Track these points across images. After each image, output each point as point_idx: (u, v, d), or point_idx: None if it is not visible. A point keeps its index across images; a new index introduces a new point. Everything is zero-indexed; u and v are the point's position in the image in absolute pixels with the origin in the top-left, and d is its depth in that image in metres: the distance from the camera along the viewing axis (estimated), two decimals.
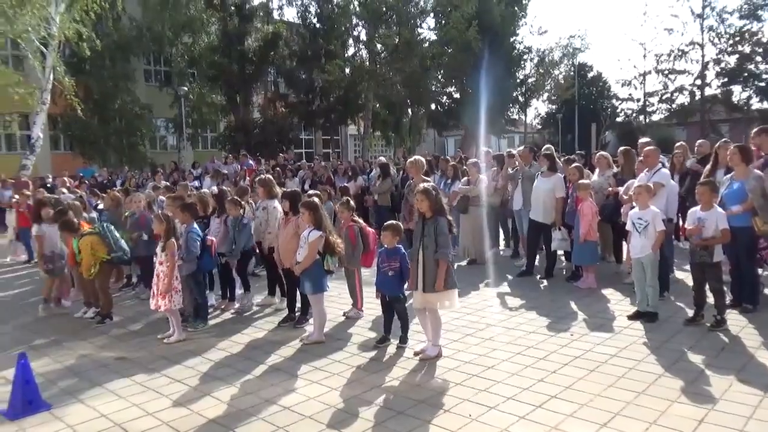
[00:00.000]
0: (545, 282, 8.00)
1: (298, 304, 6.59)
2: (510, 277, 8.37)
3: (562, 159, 9.43)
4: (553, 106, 46.35)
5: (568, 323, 6.08)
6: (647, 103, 42.77)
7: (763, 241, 6.39)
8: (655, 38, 60.59)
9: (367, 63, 29.36)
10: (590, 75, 48.01)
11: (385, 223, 5.72)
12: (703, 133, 32.67)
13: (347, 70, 29.58)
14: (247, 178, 13.61)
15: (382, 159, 14.17)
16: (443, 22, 29.80)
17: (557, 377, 4.65)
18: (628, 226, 6.19)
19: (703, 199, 5.74)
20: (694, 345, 5.22)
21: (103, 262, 6.97)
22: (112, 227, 7.39)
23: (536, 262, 8.62)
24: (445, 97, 37.06)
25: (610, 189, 7.94)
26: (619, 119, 46.42)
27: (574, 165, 8.21)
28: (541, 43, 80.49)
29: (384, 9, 27.77)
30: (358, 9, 28.20)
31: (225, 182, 12.48)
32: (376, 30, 28.46)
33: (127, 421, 4.20)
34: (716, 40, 37.48)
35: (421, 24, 30.51)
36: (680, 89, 40.22)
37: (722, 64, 37.84)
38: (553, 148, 9.44)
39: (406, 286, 5.44)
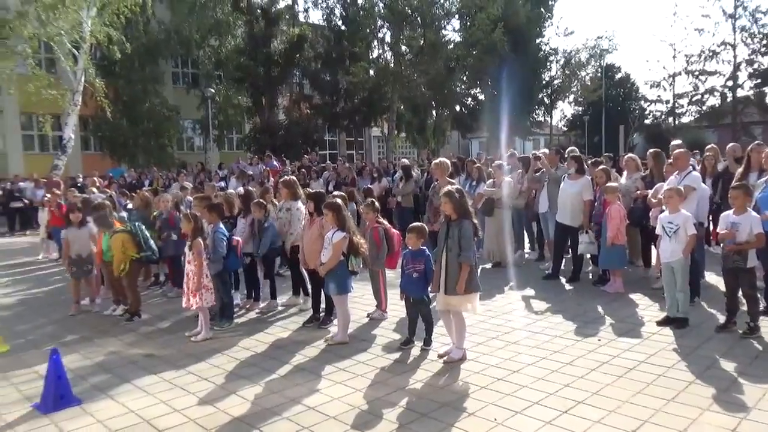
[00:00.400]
0: (571, 286, 7.90)
1: (323, 305, 6.62)
2: (535, 280, 8.29)
3: (588, 161, 9.31)
4: (580, 108, 45.81)
5: (594, 328, 5.98)
6: (676, 104, 42.04)
7: None
8: (685, 39, 59.30)
9: (392, 65, 29.40)
10: (618, 76, 47.30)
11: (409, 225, 5.72)
12: (735, 136, 31.95)
13: (372, 72, 29.68)
14: (271, 178, 13.73)
15: (405, 161, 14.15)
16: (468, 23, 29.69)
17: (584, 382, 4.58)
18: (658, 230, 6.07)
19: (737, 202, 5.60)
20: (726, 352, 5.09)
21: (133, 260, 7.09)
22: (144, 227, 7.51)
23: (562, 266, 8.51)
24: (469, 99, 36.92)
25: (638, 192, 7.81)
26: (647, 121, 45.66)
27: (600, 167, 8.09)
28: (568, 44, 79.47)
29: (409, 11, 27.79)
30: (382, 11, 28.27)
31: (250, 183, 12.61)
32: (401, 32, 28.49)
33: (155, 418, 4.26)
34: (749, 41, 36.66)
35: (446, 26, 30.49)
36: (711, 91, 39.42)
37: (755, 65, 37.01)
38: (577, 149, 9.33)
39: (430, 288, 5.43)
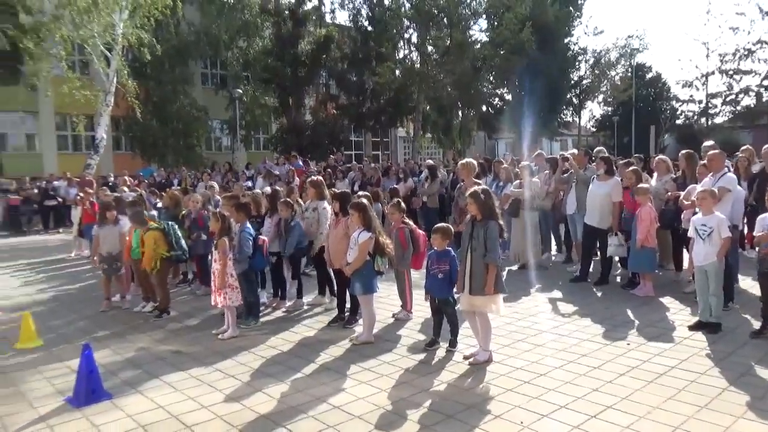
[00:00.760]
0: (599, 289, 7.77)
1: (348, 305, 6.64)
2: (562, 282, 8.17)
3: (618, 162, 9.14)
4: (609, 108, 45.09)
5: (624, 332, 5.87)
6: (709, 104, 41.10)
7: None
8: (719, 37, 58.12)
9: (418, 65, 29.36)
10: (649, 76, 46.43)
11: (435, 226, 5.69)
12: None
13: (398, 73, 29.67)
14: (297, 178, 13.82)
15: (430, 161, 14.11)
16: (495, 23, 29.48)
17: (613, 387, 4.50)
18: (691, 233, 5.93)
19: None
20: (761, 359, 4.95)
21: (163, 258, 7.21)
22: (176, 226, 7.64)
23: (590, 269, 8.38)
24: (496, 99, 36.65)
25: (669, 194, 7.65)
26: (678, 122, 44.71)
27: (630, 168, 7.94)
28: (597, 43, 78.27)
29: (435, 11, 27.71)
30: (409, 11, 28.25)
31: (277, 183, 12.71)
32: (427, 32, 28.43)
33: (183, 413, 4.33)
34: None
35: (472, 26, 30.31)
36: (746, 90, 38.50)
37: None
38: (605, 150, 9.17)
39: (455, 288, 5.40)
